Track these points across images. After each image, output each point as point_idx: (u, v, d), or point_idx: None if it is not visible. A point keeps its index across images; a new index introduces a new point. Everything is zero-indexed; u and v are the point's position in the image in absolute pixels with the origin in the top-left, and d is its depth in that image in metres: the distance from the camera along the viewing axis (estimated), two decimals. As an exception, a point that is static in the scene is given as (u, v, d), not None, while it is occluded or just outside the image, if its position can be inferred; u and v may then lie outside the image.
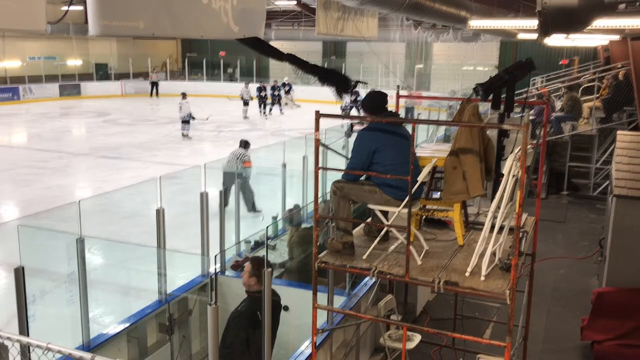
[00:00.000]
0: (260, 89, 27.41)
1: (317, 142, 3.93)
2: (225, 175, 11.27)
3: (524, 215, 4.78)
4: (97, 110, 28.25)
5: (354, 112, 21.88)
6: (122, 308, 6.24)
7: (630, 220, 6.54)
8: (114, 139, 20.43)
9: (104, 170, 15.73)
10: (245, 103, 26.59)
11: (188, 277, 6.18)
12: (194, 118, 20.60)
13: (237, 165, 11.59)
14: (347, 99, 21.58)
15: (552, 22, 4.06)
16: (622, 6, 4.03)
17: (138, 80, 36.14)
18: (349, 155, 4.45)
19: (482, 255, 3.85)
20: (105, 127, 23.41)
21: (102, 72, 36.27)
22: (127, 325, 5.28)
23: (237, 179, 10.32)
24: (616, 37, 12.58)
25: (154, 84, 34.80)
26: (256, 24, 4.79)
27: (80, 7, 8.01)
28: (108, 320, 6.05)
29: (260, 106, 27.23)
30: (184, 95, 20.71)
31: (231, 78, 36.58)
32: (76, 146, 19.80)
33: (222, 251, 6.51)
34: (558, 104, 14.67)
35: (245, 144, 11.92)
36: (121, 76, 36.24)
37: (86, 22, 3.47)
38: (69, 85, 33.27)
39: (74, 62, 35.21)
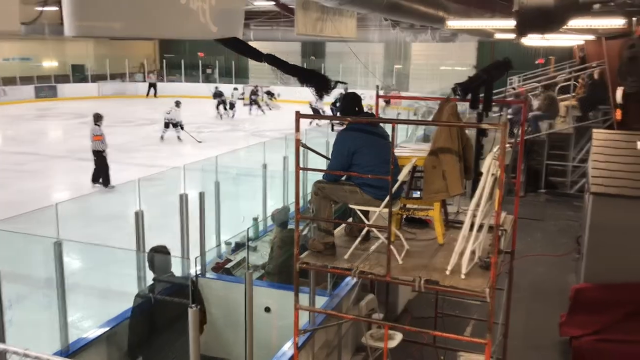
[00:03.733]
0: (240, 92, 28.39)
1: (298, 143, 3.92)
2: None
3: (503, 214, 4.83)
4: (74, 112, 27.87)
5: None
6: (101, 312, 6.16)
7: (606, 218, 6.64)
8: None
9: (82, 172, 15.51)
10: (232, 106, 27.63)
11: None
12: (182, 128, 20.44)
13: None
14: (315, 100, 21.88)
15: (529, 22, 4.11)
16: (596, 6, 4.10)
17: (115, 81, 35.80)
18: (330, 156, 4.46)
19: (462, 253, 3.88)
20: (83, 129, 22.99)
21: (78, 74, 35.83)
22: (107, 329, 5.21)
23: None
24: (591, 37, 12.78)
25: (152, 85, 34.79)
26: (235, 24, 4.76)
27: (55, 8, 7.89)
28: (87, 325, 5.96)
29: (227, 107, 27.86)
30: (177, 103, 20.77)
31: (208, 79, 36.41)
32: (53, 148, 19.53)
33: (203, 253, 6.47)
34: (535, 103, 14.84)
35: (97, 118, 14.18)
36: (98, 77, 35.82)
37: (62, 22, 3.42)
38: (45, 86, 32.81)
39: (50, 64, 34.72)
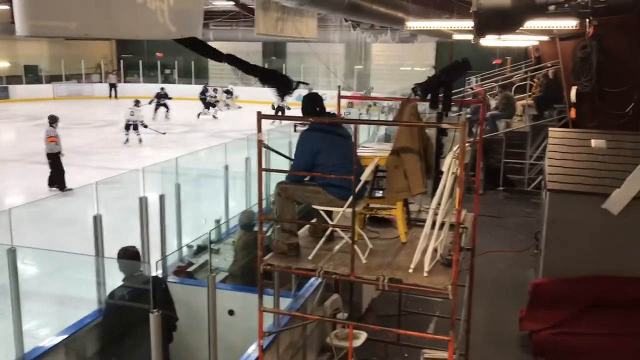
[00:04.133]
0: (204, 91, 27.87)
1: (260, 144, 3.89)
2: None
3: (463, 212, 4.90)
4: (27, 114, 27.05)
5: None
6: (59, 319, 6.00)
7: (563, 214, 6.81)
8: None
9: (37, 176, 15.06)
10: (208, 105, 27.38)
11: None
12: (145, 126, 20.29)
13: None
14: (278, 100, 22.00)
15: (487, 23, 4.18)
16: (551, 8, 4.20)
17: (71, 82, 34.93)
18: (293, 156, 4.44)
19: (424, 251, 3.92)
20: (37, 131, 22.35)
21: (32, 75, 34.79)
22: (65, 336, 5.07)
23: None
24: (545, 38, 13.10)
25: (113, 86, 34.04)
26: (194, 24, 4.70)
27: (6, 6, 7.64)
28: (44, 333, 5.79)
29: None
30: (137, 103, 20.43)
31: (167, 79, 35.90)
32: (5, 152, 18.93)
33: (164, 257, 6.36)
34: (493, 103, 15.13)
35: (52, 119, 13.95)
36: (53, 78, 34.87)
37: (13, 21, 3.31)
38: (-4, 88, 31.80)
39: (1, 64, 33.63)
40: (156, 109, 25.71)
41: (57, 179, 13.83)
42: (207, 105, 27.51)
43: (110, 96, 34.11)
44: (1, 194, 13.77)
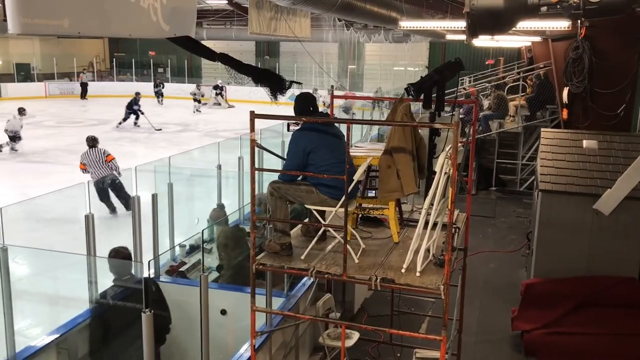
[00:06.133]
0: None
1: (253, 143, 3.89)
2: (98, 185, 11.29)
3: (456, 212, 4.91)
4: (19, 113, 26.89)
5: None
6: (50, 319, 5.97)
7: (555, 214, 6.84)
8: (38, 142, 19.51)
9: (28, 175, 15.00)
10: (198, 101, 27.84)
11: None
12: (20, 138, 17.97)
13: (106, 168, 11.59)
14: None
15: (480, 23, 4.19)
16: (544, 9, 4.21)
17: (63, 81, 34.74)
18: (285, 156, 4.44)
19: (416, 251, 3.93)
20: (29, 129, 22.30)
21: (24, 73, 34.58)
22: (56, 336, 5.05)
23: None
24: (538, 39, 13.17)
25: (84, 85, 33.62)
26: (187, 22, 4.69)
27: (-2, 4, 7.60)
28: (36, 332, 5.76)
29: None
30: (20, 111, 18.25)
31: (159, 79, 35.78)
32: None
33: (156, 256, 6.34)
34: (486, 103, 15.19)
35: (93, 140, 11.94)
36: (45, 77, 34.68)
37: (5, 19, 3.29)
38: (-13, 86, 31.60)
39: (-7, 62, 33.49)
40: (125, 118, 23.15)
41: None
42: (198, 101, 28.10)
43: (81, 96, 33.31)
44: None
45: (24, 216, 10.20)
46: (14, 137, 17.56)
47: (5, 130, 17.46)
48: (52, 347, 4.99)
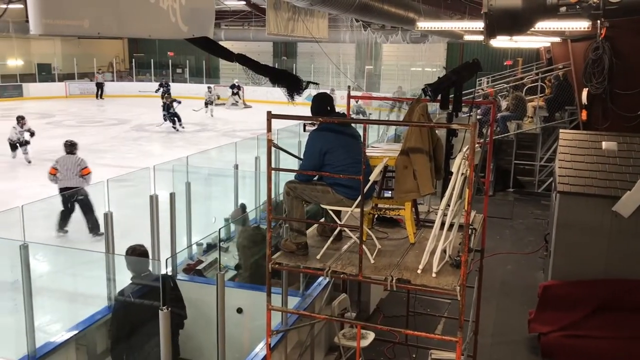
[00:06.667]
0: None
1: (270, 143, 3.91)
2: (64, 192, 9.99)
3: (473, 213, 4.89)
4: (40, 112, 27.27)
5: None
6: (69, 315, 6.06)
7: (573, 216, 6.78)
8: (58, 142, 19.72)
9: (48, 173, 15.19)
10: (207, 104, 26.58)
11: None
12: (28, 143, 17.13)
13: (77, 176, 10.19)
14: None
15: (498, 23, 4.17)
16: (563, 9, 4.18)
17: (83, 81, 35.16)
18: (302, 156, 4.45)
19: (433, 252, 3.92)
20: (49, 129, 22.66)
21: (45, 73, 35.07)
22: (75, 332, 5.13)
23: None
24: (557, 39, 13.04)
25: (100, 85, 33.95)
26: (205, 23, 4.73)
27: (20, 5, 7.73)
28: (55, 329, 5.85)
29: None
30: (19, 120, 16.57)
31: (178, 79, 36.05)
32: (19, 149, 19.03)
33: (174, 255, 6.40)
34: (504, 104, 15.08)
35: (72, 146, 10.45)
36: (65, 77, 35.13)
37: (27, 20, 3.35)
38: (10, 86, 32.02)
39: (15, 62, 33.93)
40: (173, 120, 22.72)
41: None
42: (206, 104, 26.81)
43: (97, 96, 33.56)
44: (13, 191, 13.89)
45: (45, 214, 10.35)
46: (14, 146, 16.56)
47: (14, 141, 16.64)
48: (72, 343, 5.07)
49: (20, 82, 32.67)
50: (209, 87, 28.30)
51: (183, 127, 22.26)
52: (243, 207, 8.29)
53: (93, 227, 10.08)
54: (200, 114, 26.24)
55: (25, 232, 4.81)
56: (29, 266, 4.70)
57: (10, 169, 16.15)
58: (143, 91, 32.17)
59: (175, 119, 22.23)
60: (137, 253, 5.29)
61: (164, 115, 22.36)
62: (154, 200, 6.17)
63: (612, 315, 6.40)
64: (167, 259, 5.85)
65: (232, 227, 7.94)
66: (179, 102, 22.58)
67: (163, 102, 22.81)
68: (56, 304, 7.09)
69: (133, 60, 37.59)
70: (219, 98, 29.02)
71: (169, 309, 3.77)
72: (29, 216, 5.10)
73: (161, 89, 26.60)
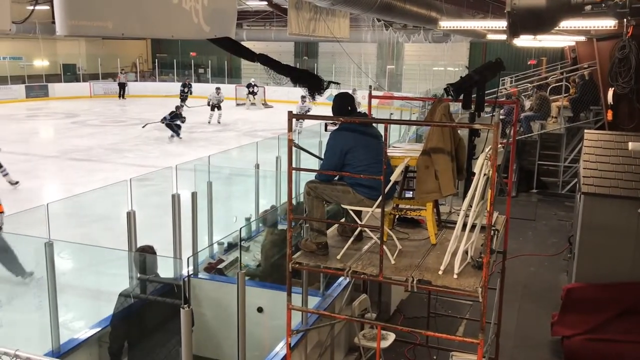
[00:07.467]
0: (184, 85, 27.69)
1: (291, 143, 3.92)
2: None
3: (495, 214, 4.85)
4: (65, 112, 27.75)
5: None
6: (93, 312, 6.14)
7: (598, 218, 6.67)
8: (83, 141, 20.09)
9: (73, 172, 15.45)
10: (213, 108, 24.29)
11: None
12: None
13: None
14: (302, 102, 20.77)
15: (521, 23, 4.12)
16: (588, 8, 4.12)
17: (107, 81, 35.66)
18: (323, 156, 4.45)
19: (454, 253, 3.89)
20: (74, 128, 23.03)
21: (70, 73, 35.65)
22: (98, 329, 5.19)
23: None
24: (582, 38, 12.85)
25: (122, 85, 34.37)
26: (227, 23, 4.76)
27: (46, 7, 7.86)
28: (78, 325, 5.93)
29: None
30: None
31: (200, 79, 36.29)
32: (44, 148, 19.38)
33: (195, 253, 6.45)
34: (527, 104, 14.91)
35: None
36: (90, 77, 35.67)
37: (53, 21, 3.40)
38: (36, 86, 32.63)
39: (41, 63, 34.54)
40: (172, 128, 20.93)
41: None
42: (212, 107, 24.21)
43: (119, 96, 33.89)
44: (39, 190, 14.14)
45: (69, 212, 10.51)
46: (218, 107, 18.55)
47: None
48: (94, 340, 5.13)
49: (46, 83, 33.25)
50: (217, 89, 24.89)
51: (180, 138, 20.55)
52: (275, 209, 8.33)
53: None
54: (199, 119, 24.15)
55: (50, 230, 4.88)
56: (54, 263, 4.77)
57: (33, 167, 16.41)
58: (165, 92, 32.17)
59: (176, 127, 20.67)
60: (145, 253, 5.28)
61: (168, 121, 20.70)
62: (175, 199, 6.22)
63: (637, 319, 6.29)
64: (188, 258, 5.89)
65: (253, 226, 7.98)
66: (183, 121, 20.88)
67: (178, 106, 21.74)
68: (80, 301, 7.19)
69: (156, 60, 38.02)
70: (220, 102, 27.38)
71: (190, 307, 3.79)
72: (53, 213, 5.18)
73: (184, 91, 26.59)
